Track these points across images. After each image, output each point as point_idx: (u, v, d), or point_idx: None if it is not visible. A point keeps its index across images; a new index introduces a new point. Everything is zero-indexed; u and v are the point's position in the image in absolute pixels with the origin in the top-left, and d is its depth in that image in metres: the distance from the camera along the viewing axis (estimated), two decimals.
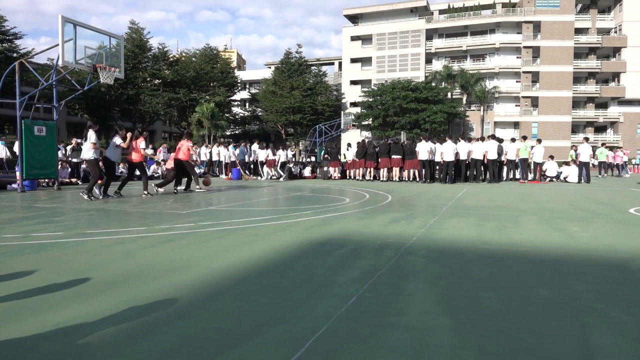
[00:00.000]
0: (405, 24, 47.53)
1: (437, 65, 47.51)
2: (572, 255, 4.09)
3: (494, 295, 2.90)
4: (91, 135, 9.25)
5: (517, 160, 16.39)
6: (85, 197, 9.08)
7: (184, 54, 46.97)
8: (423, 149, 15.43)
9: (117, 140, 9.49)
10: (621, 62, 46.09)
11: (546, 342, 2.17)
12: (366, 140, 19.37)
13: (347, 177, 18.01)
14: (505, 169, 16.99)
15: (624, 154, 24.25)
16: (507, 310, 2.62)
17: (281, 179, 17.64)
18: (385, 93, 40.81)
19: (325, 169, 18.74)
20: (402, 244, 4.50)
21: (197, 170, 19.42)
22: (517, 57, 45.95)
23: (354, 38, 49.91)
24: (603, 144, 23.30)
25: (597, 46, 46.49)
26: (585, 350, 2.09)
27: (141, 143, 10.15)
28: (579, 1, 47.50)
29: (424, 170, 15.60)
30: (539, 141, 16.81)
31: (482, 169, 16.23)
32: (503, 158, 16.24)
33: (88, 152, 9.27)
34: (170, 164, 11.97)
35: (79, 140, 16.18)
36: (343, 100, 49.64)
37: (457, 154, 15.40)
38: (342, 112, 49.08)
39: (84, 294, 2.88)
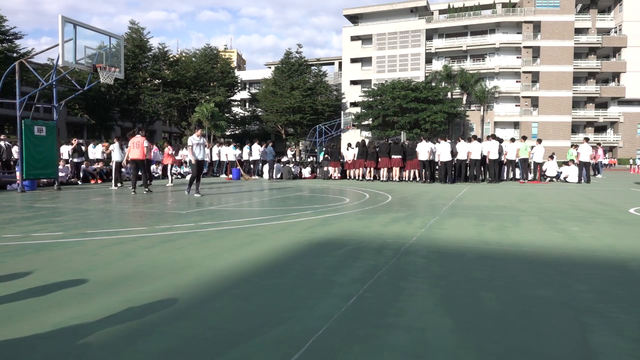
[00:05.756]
0: (405, 24, 47.53)
1: (437, 65, 47.50)
2: (572, 255, 4.09)
3: (494, 295, 2.90)
4: (189, 139, 9.97)
5: (517, 160, 16.39)
6: (187, 193, 9.98)
7: (184, 54, 46.94)
8: (423, 149, 15.43)
9: (189, 141, 9.90)
10: (621, 62, 46.09)
11: (546, 342, 2.17)
12: (366, 140, 19.37)
13: (347, 177, 18.01)
14: (505, 168, 16.98)
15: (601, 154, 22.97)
16: (507, 310, 2.62)
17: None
18: (385, 93, 40.80)
19: (325, 169, 18.73)
20: (402, 244, 4.50)
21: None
22: (517, 57, 45.95)
23: (354, 38, 49.91)
24: None
25: (597, 46, 46.49)
26: (585, 350, 2.09)
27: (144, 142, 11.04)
28: (579, 1, 47.49)
29: (424, 170, 15.61)
30: (539, 141, 16.81)
31: (482, 169, 16.23)
32: (503, 158, 16.23)
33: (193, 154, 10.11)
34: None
35: (80, 141, 16.18)
36: (343, 100, 49.64)
37: (455, 153, 15.40)
38: (342, 112, 49.09)
39: (84, 294, 2.88)
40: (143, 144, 10.88)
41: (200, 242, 4.65)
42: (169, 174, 14.78)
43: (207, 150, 15.92)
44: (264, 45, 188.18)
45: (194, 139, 9.72)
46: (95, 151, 18.38)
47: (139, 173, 11.26)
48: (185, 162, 21.16)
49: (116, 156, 12.57)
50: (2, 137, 15.96)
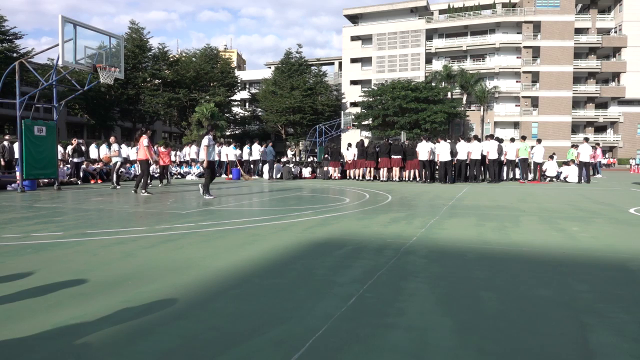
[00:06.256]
0: (405, 24, 47.53)
1: (437, 65, 47.50)
2: (572, 255, 4.09)
3: (494, 295, 2.90)
4: (205, 139, 9.48)
5: (517, 160, 16.39)
6: (207, 196, 9.34)
7: (184, 54, 46.94)
8: (423, 149, 15.44)
9: (205, 141, 9.52)
10: (621, 62, 46.10)
11: (546, 342, 2.17)
12: (365, 140, 19.37)
13: (347, 177, 18.02)
14: (505, 168, 16.98)
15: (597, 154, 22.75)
16: (507, 310, 2.62)
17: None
18: (385, 93, 40.79)
19: (325, 169, 18.74)
20: (402, 244, 4.50)
21: (197, 171, 19.48)
22: (517, 57, 45.95)
23: (354, 38, 49.91)
24: None
25: (597, 46, 46.49)
26: (585, 350, 2.09)
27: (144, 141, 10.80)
28: (579, 1, 47.49)
29: (424, 170, 15.61)
30: (539, 141, 16.81)
31: (482, 169, 16.23)
32: (503, 158, 16.23)
33: (204, 153, 9.49)
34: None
35: (79, 141, 16.18)
36: (343, 100, 49.64)
37: (455, 153, 15.40)
38: (342, 112, 49.09)
39: (83, 294, 2.88)
40: (143, 143, 10.83)
41: (200, 242, 4.65)
42: (168, 174, 14.76)
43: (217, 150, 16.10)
44: (264, 45, 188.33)
45: (210, 139, 9.48)
46: (99, 151, 18.35)
47: (145, 173, 11.10)
48: (186, 162, 21.18)
49: (114, 158, 12.58)
50: (7, 137, 15.95)
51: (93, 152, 18.44)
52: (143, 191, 10.52)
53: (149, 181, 11.27)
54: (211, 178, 9.71)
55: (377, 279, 3.24)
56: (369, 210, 7.55)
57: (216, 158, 20.43)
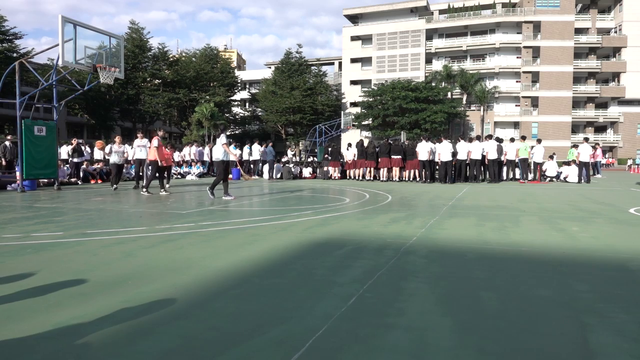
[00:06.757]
0: (405, 24, 47.54)
1: (437, 65, 47.50)
2: (572, 255, 4.09)
3: (494, 295, 2.90)
4: (222, 137, 9.30)
5: (517, 160, 16.38)
6: (210, 195, 9.34)
7: (184, 54, 46.98)
8: (423, 149, 15.44)
9: (223, 139, 9.31)
10: (621, 62, 46.10)
11: (546, 342, 2.17)
12: (365, 140, 19.37)
13: (347, 177, 18.02)
14: (505, 169, 16.98)
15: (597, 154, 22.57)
16: (507, 310, 2.62)
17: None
18: (385, 93, 40.81)
19: (325, 169, 18.74)
20: (402, 244, 4.50)
21: (197, 171, 19.48)
22: (517, 57, 45.95)
23: (354, 38, 49.92)
24: None
25: (597, 46, 46.50)
26: (585, 350, 2.09)
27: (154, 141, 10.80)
28: (579, 1, 47.49)
29: (424, 170, 15.61)
30: (539, 141, 16.82)
31: (482, 169, 16.23)
32: (503, 158, 16.23)
33: (218, 152, 9.25)
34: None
35: (79, 141, 16.17)
36: (343, 100, 49.64)
37: (455, 154, 15.41)
38: (342, 112, 49.10)
39: (83, 294, 2.88)
40: (153, 144, 10.79)
41: (200, 242, 4.65)
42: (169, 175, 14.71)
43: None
44: (264, 45, 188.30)
45: (226, 136, 9.35)
46: (103, 151, 18.31)
47: (151, 174, 11.02)
48: (186, 162, 21.17)
49: (113, 157, 12.53)
50: (9, 137, 15.94)
51: (96, 153, 18.43)
52: (144, 190, 10.53)
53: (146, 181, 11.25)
54: (224, 179, 9.40)
55: (377, 279, 3.24)
56: (369, 210, 7.55)
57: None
